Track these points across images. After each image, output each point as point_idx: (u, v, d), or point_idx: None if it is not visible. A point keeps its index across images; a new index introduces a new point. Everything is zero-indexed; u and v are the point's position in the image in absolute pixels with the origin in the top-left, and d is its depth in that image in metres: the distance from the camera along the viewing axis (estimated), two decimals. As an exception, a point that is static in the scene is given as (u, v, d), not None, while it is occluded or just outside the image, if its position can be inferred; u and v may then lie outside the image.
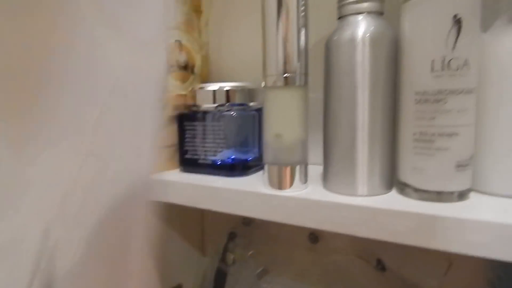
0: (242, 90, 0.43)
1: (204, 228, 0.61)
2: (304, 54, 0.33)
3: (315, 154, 0.38)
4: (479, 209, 0.28)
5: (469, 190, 0.30)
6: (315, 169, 0.39)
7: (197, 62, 0.49)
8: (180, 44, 0.46)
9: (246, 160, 0.42)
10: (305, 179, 0.35)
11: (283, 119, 0.34)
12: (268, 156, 0.35)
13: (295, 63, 0.33)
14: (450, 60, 0.27)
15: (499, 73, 0.29)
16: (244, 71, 0.50)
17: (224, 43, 0.53)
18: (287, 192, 0.34)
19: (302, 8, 0.32)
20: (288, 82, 0.33)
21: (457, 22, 0.27)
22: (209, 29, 0.53)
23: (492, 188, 0.31)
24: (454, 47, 0.27)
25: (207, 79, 0.53)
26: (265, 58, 0.34)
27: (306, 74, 0.34)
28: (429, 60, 0.28)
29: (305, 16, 0.33)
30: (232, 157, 0.41)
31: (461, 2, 0.27)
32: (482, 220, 0.25)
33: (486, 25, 0.30)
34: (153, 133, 0.25)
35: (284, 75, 0.33)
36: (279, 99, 0.34)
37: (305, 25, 0.33)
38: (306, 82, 0.34)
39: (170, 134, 0.45)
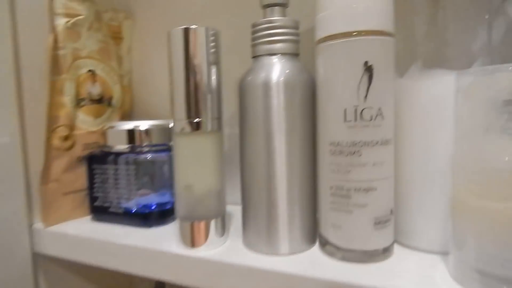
0: (161, 128, 0.39)
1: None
2: (216, 96, 0.30)
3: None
4: (400, 272, 0.25)
5: (393, 245, 0.28)
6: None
7: (116, 93, 0.44)
8: (93, 74, 0.42)
9: (163, 208, 0.38)
10: (222, 232, 0.31)
11: (193, 168, 0.30)
12: (179, 209, 0.31)
13: (205, 107, 0.29)
14: (363, 110, 0.25)
15: (415, 120, 0.27)
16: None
17: (148, 72, 0.48)
18: (200, 251, 0.30)
19: (212, 44, 0.29)
20: (198, 128, 0.29)
21: (368, 69, 0.25)
22: (132, 57, 0.49)
23: (415, 243, 0.28)
24: (366, 96, 0.25)
25: (129, 112, 0.48)
26: (172, 101, 0.30)
27: (219, 118, 0.30)
28: (342, 109, 0.26)
29: (217, 53, 0.30)
30: (148, 204, 0.37)
31: (371, 48, 0.25)
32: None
33: (402, 70, 0.28)
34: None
35: (194, 120, 0.29)
36: (188, 146, 0.30)
37: (217, 63, 0.30)
38: (219, 127, 0.31)
39: (80, 177, 0.40)
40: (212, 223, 0.30)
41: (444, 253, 0.26)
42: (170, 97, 0.30)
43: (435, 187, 0.27)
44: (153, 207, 0.37)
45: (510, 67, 0.20)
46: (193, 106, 0.29)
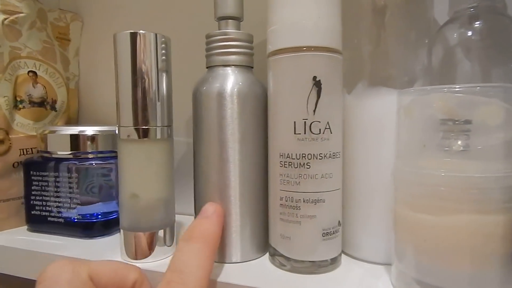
0: (108, 135, 0.37)
1: None
2: (166, 103, 0.29)
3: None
4: (345, 282, 0.26)
5: (340, 256, 0.29)
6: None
7: (60, 97, 0.42)
8: (34, 76, 0.39)
9: (108, 217, 0.36)
10: (171, 242, 0.31)
11: (140, 176, 0.29)
12: (123, 219, 0.30)
13: (153, 115, 0.28)
14: (312, 123, 0.26)
15: (360, 136, 0.28)
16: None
17: (97, 76, 0.46)
18: (144, 263, 0.29)
19: (162, 51, 0.28)
20: (146, 136, 0.28)
21: (317, 84, 0.25)
22: (80, 59, 0.46)
23: (361, 254, 0.29)
24: (315, 110, 0.26)
25: (75, 117, 0.46)
26: (118, 107, 0.29)
27: (169, 126, 0.30)
28: (292, 122, 0.26)
29: (166, 60, 0.29)
30: (92, 214, 0.35)
31: (320, 64, 0.26)
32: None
33: (349, 87, 0.29)
34: None
35: (141, 127, 0.28)
36: (135, 154, 0.29)
37: (167, 70, 0.29)
38: (169, 135, 0.30)
39: (15, 184, 0.37)
40: (159, 234, 0.29)
41: (388, 264, 0.27)
42: (116, 103, 0.29)
43: (379, 200, 0.28)
44: (97, 217, 0.35)
45: (445, 89, 0.21)
46: (140, 113, 0.28)
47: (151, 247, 0.29)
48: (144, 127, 0.28)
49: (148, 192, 0.29)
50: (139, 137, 0.28)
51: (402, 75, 0.28)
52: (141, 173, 0.29)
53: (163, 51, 0.29)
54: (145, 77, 0.28)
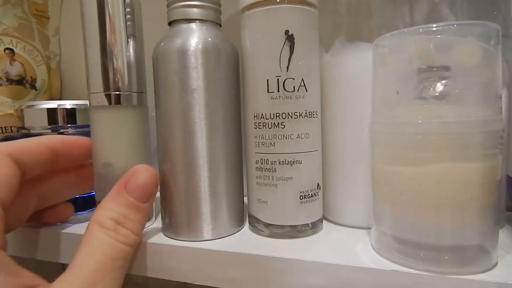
0: (86, 109, 0.36)
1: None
2: (136, 67, 0.28)
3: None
4: (325, 245, 0.25)
5: (321, 221, 0.28)
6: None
7: (40, 75, 0.41)
8: (11, 53, 0.38)
9: (90, 194, 0.35)
10: (151, 215, 0.30)
11: (112, 145, 0.28)
12: (97, 191, 0.29)
13: (123, 79, 0.27)
14: (285, 80, 0.24)
15: (339, 96, 0.27)
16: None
17: (79, 55, 0.45)
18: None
19: (130, 13, 0.27)
20: (117, 101, 0.27)
21: (290, 38, 0.24)
22: (61, 38, 0.46)
23: (342, 219, 0.28)
24: (288, 67, 0.24)
25: (57, 97, 0.45)
26: (87, 72, 0.28)
27: (141, 91, 0.29)
28: (265, 80, 0.25)
29: (134, 23, 0.27)
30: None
31: (293, 17, 0.24)
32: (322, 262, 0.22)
33: (327, 45, 0.28)
34: None
35: (111, 93, 0.27)
36: (106, 121, 0.28)
37: (135, 34, 0.28)
38: (142, 101, 0.29)
39: (-5, 163, 0.36)
40: None
41: (369, 228, 0.26)
42: (85, 69, 0.28)
43: (359, 162, 0.27)
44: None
45: (421, 29, 0.20)
46: (111, 77, 0.27)
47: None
48: (115, 92, 0.27)
49: (121, 161, 0.28)
50: (109, 103, 0.27)
51: (382, 29, 0.27)
52: (113, 141, 0.28)
53: (131, 12, 0.27)
54: (114, 39, 0.27)
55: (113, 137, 0.28)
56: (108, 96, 0.27)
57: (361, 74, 0.26)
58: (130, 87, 0.28)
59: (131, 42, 0.27)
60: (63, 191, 0.30)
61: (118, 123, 0.28)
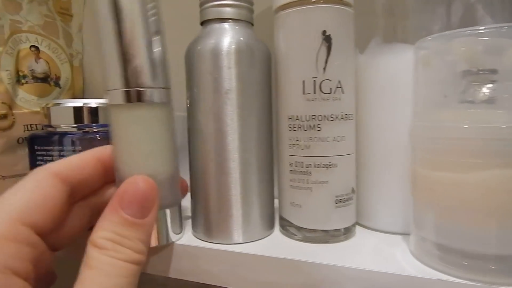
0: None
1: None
2: (161, 62, 0.24)
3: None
4: (362, 251, 0.24)
5: (354, 226, 0.27)
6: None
7: (64, 73, 0.41)
8: (37, 51, 0.38)
9: (114, 193, 0.35)
10: (179, 228, 0.26)
11: (127, 148, 0.24)
12: None
13: (145, 73, 0.23)
14: (322, 82, 0.24)
15: (374, 97, 0.26)
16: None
17: (99, 53, 0.45)
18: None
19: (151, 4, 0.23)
20: (138, 99, 0.23)
21: (327, 39, 0.24)
22: (84, 36, 0.45)
23: (376, 224, 0.28)
24: (325, 68, 0.24)
25: (80, 95, 0.45)
26: (104, 67, 0.24)
27: (167, 88, 0.25)
28: (300, 81, 0.24)
29: (158, 14, 0.24)
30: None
31: (330, 17, 0.24)
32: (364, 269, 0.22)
33: (362, 46, 0.27)
34: None
35: (131, 89, 0.23)
36: (124, 121, 0.24)
37: (159, 23, 0.24)
38: (168, 99, 0.25)
39: (20, 160, 0.37)
40: (167, 214, 0.25)
41: (406, 234, 0.26)
42: (102, 65, 0.24)
43: (396, 166, 0.26)
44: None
45: (468, 32, 0.19)
46: (131, 71, 0.22)
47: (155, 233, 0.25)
48: (137, 89, 0.23)
49: (136, 168, 0.24)
50: (129, 101, 0.23)
51: (420, 30, 0.26)
52: (128, 145, 0.24)
53: (153, 4, 0.24)
54: (132, 26, 0.23)
55: (132, 140, 0.24)
56: (128, 93, 0.23)
57: (397, 75, 0.25)
58: (156, 83, 0.24)
59: (153, 34, 0.24)
60: None
61: (140, 123, 0.24)
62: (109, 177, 0.25)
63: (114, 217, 0.20)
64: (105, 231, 0.20)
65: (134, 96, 0.23)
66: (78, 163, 0.23)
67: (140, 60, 0.23)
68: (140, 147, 0.24)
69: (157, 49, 0.24)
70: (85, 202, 0.25)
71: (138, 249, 0.21)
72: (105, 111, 0.35)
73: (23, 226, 0.20)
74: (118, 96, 0.23)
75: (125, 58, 0.23)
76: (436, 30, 0.27)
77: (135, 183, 0.21)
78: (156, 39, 0.24)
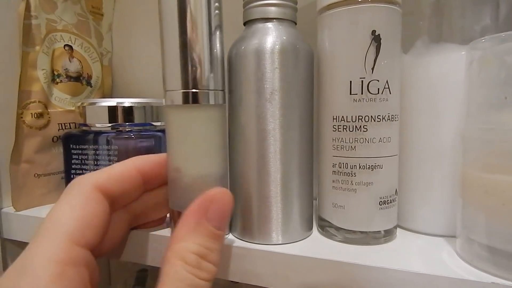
0: (145, 107, 0.36)
1: (111, 267, 0.52)
2: (218, 63, 0.25)
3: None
4: (407, 253, 0.24)
5: (395, 228, 0.27)
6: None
7: (95, 72, 0.41)
8: (70, 50, 0.38)
9: (148, 191, 0.35)
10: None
11: (184, 148, 0.25)
12: (169, 196, 0.27)
13: (204, 75, 0.24)
14: (370, 82, 0.24)
15: (419, 98, 0.26)
16: (153, 85, 0.43)
17: (130, 52, 0.45)
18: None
19: (216, 5, 0.24)
20: (194, 100, 0.24)
21: (376, 39, 0.23)
22: (113, 35, 0.46)
23: (418, 226, 0.27)
24: (373, 68, 0.24)
25: (109, 94, 0.45)
26: (164, 67, 0.25)
27: (222, 89, 0.25)
28: (347, 81, 0.24)
29: (219, 16, 0.25)
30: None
31: (379, 16, 0.23)
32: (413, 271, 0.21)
33: (406, 46, 0.27)
34: None
35: (189, 91, 0.24)
36: (180, 121, 0.25)
37: (220, 27, 0.25)
38: (223, 101, 0.25)
39: (55, 158, 0.37)
40: None
41: (449, 236, 0.25)
42: (162, 65, 0.25)
43: (440, 167, 0.26)
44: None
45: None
46: (190, 73, 0.24)
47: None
48: (194, 90, 0.24)
49: (192, 167, 0.25)
50: (187, 102, 0.24)
51: (467, 30, 0.25)
52: (186, 144, 0.25)
53: (216, 3, 0.25)
54: (194, 32, 0.24)
55: (186, 139, 0.25)
56: (186, 95, 0.24)
57: (446, 76, 0.25)
58: (213, 84, 0.25)
59: (215, 33, 0.25)
60: (156, 208, 0.28)
61: (193, 123, 0.25)
62: (148, 186, 0.26)
63: (200, 229, 0.20)
64: (193, 243, 0.20)
65: (192, 97, 0.24)
66: (120, 175, 0.23)
67: (201, 63, 0.24)
68: (198, 147, 0.25)
69: (217, 48, 0.25)
70: (124, 211, 0.25)
71: (218, 262, 0.21)
72: (138, 110, 0.35)
73: (78, 247, 0.20)
74: (177, 97, 0.24)
75: (186, 61, 0.24)
76: (481, 30, 0.27)
77: (222, 195, 0.21)
78: (216, 45, 0.25)
